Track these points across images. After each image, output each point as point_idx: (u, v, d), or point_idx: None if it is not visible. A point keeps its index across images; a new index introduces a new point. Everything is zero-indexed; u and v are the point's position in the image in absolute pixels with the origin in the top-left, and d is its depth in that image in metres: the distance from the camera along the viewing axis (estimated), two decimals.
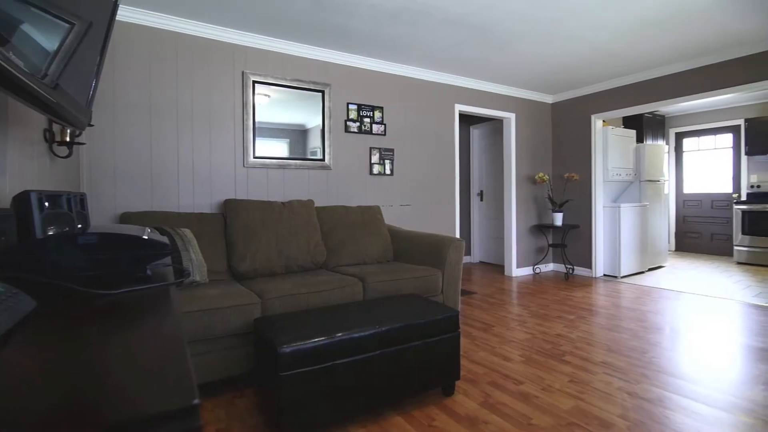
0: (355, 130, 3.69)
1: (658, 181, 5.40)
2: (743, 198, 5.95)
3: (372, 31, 3.15)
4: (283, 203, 2.92)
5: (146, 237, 0.83)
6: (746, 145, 5.88)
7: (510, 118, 4.87)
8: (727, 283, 4.30)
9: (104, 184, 2.65)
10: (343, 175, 3.63)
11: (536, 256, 5.13)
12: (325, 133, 3.53)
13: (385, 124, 3.85)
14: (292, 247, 2.71)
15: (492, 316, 3.24)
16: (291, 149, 3.41)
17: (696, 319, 3.08)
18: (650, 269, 5.17)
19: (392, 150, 3.90)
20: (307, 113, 3.48)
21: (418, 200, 4.08)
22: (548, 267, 5.26)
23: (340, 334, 1.60)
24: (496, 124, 5.52)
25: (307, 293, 2.19)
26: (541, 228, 4.95)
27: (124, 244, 0.81)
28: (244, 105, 3.13)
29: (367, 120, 3.76)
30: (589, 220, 4.84)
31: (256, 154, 3.19)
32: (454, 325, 1.93)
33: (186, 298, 1.87)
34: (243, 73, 3.12)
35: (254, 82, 3.18)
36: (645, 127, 5.99)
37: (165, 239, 1.04)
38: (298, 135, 3.46)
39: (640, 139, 5.86)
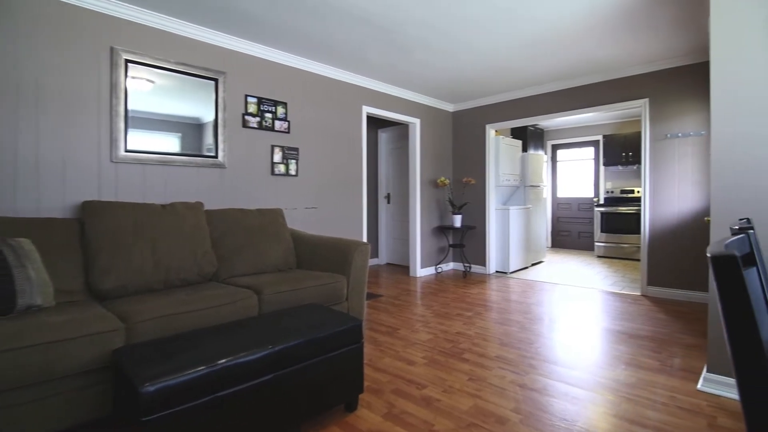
0: (255, 125, 3.40)
1: (539, 186, 6.06)
2: (601, 201, 7.02)
3: (274, 19, 2.92)
4: (163, 206, 2.53)
5: None
6: (604, 157, 6.95)
7: (415, 123, 5.00)
8: (591, 274, 5.00)
9: None
10: (240, 174, 3.31)
11: (438, 256, 5.36)
12: (219, 127, 3.18)
13: (289, 121, 3.62)
14: (173, 257, 2.35)
15: (397, 319, 3.24)
16: (183, 145, 3.01)
17: (569, 307, 3.48)
18: (533, 264, 5.77)
19: (297, 149, 3.69)
20: (202, 105, 3.11)
21: (325, 203, 3.93)
22: (449, 266, 5.53)
23: (224, 360, 1.39)
24: (403, 129, 5.64)
25: (188, 312, 1.89)
26: (443, 229, 5.19)
27: None
28: (112, 88, 2.64)
29: (268, 115, 3.49)
30: (484, 221, 5.21)
31: (129, 147, 2.71)
32: (357, 335, 1.84)
33: (14, 329, 1.46)
34: (112, 49, 2.64)
35: (127, 61, 2.70)
36: (528, 138, 6.68)
37: None
38: (192, 129, 3.06)
39: (524, 149, 6.53)
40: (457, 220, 5.07)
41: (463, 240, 5.33)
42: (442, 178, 5.08)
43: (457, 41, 3.31)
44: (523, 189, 5.79)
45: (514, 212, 5.25)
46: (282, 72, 3.60)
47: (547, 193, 7.71)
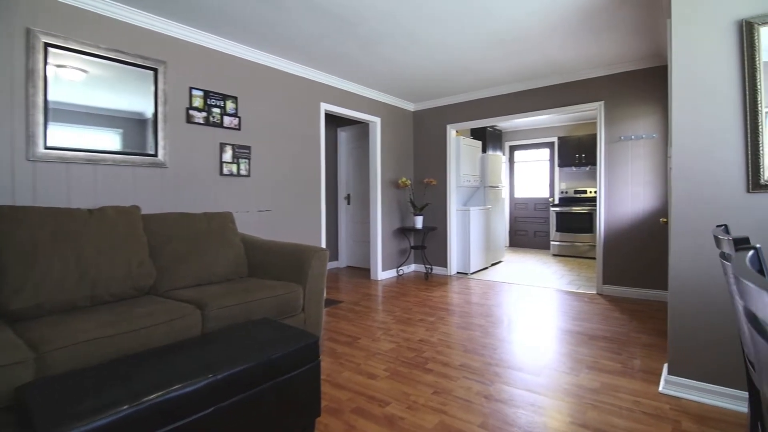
0: (201, 121, 3.12)
1: (498, 187, 6.13)
2: (556, 202, 7.25)
3: (222, 4, 2.67)
4: (91, 211, 2.22)
5: None
6: (558, 158, 7.18)
7: (376, 122, 4.87)
8: (548, 273, 5.11)
9: None
10: (184, 174, 3.02)
11: (399, 258, 5.27)
12: (159, 122, 2.87)
13: (239, 117, 3.36)
14: (102, 268, 2.06)
15: (358, 327, 3.10)
16: (126, 142, 2.71)
17: (529, 309, 3.49)
18: (493, 264, 5.83)
19: (249, 147, 3.44)
20: (142, 98, 2.80)
21: (281, 205, 3.70)
22: (410, 268, 5.45)
23: (153, 396, 1.18)
24: (363, 128, 5.49)
25: (114, 336, 1.63)
26: (404, 231, 5.10)
27: None
28: (29, 75, 2.29)
29: (216, 110, 3.22)
30: (445, 222, 5.17)
31: (50, 144, 2.37)
32: (313, 354, 1.67)
33: None
34: (28, 31, 2.28)
35: (47, 45, 2.36)
36: (487, 139, 6.76)
37: None
38: (135, 125, 2.76)
39: (483, 150, 6.59)
40: (419, 222, 5.00)
41: (425, 241, 5.28)
42: (404, 179, 4.99)
43: (421, 37, 3.21)
44: (483, 190, 5.83)
45: (475, 213, 5.27)
46: (232, 64, 3.33)
47: (505, 194, 7.86)
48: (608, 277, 4.02)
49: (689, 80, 1.84)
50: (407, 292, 4.21)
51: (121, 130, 2.71)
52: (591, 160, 6.74)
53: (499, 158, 6.22)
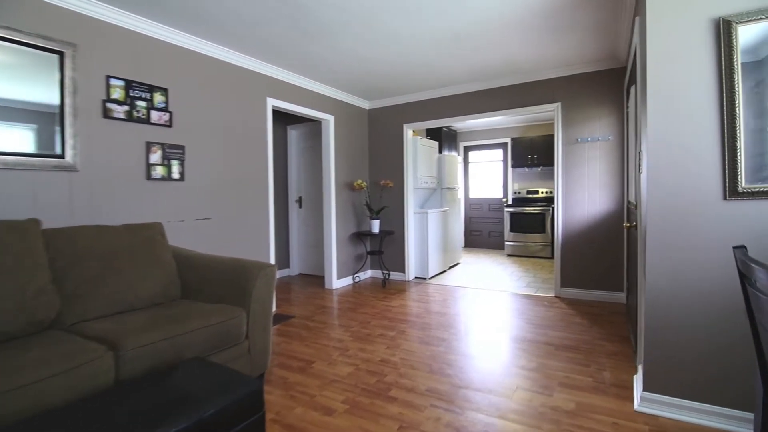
0: (122, 116, 2.65)
1: (454, 188, 6.05)
2: (510, 202, 7.34)
3: None
4: None
5: None
6: (512, 159, 7.26)
7: (329, 120, 4.55)
8: (505, 275, 5.08)
9: None
10: (100, 180, 2.55)
11: (356, 264, 5.00)
12: (66, 117, 2.39)
13: (171, 112, 2.92)
14: None
15: (312, 348, 2.79)
16: (40, 141, 2.25)
17: (491, 317, 3.37)
18: (450, 267, 5.74)
19: (182, 147, 3.00)
20: (49, 89, 2.33)
21: (222, 212, 3.29)
22: (367, 274, 5.21)
23: None
24: (315, 126, 5.15)
25: None
26: (360, 235, 4.84)
27: None
28: None
29: (142, 104, 2.76)
30: (402, 226, 4.98)
31: None
32: (255, 404, 1.37)
33: None
34: None
35: None
36: (443, 139, 6.67)
37: None
38: (48, 120, 2.29)
39: (439, 150, 6.49)
40: (375, 226, 4.76)
41: (382, 246, 5.05)
42: (359, 181, 4.73)
43: (378, 28, 2.96)
44: (440, 191, 5.71)
45: (433, 216, 5.12)
46: (161, 50, 2.88)
47: (461, 194, 7.85)
48: (566, 280, 4.02)
49: (663, 81, 1.75)
50: (365, 302, 3.96)
51: (35, 126, 2.26)
52: (543, 161, 6.88)
53: (455, 159, 6.14)
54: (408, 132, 4.99)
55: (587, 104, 3.88)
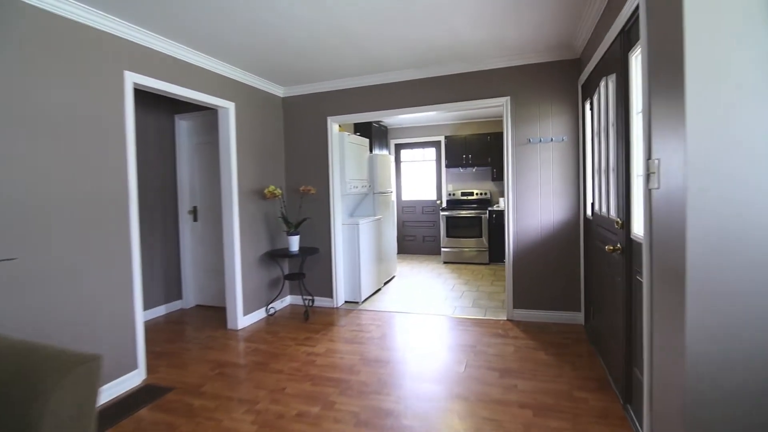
0: None
1: (388, 192, 5.32)
2: (444, 204, 6.83)
3: None
4: None
5: None
6: (446, 158, 6.74)
7: (228, 108, 3.48)
8: (446, 291, 4.46)
9: None
10: None
11: (270, 293, 3.99)
12: None
13: None
14: None
15: None
16: None
17: (445, 362, 2.67)
18: (386, 283, 5.00)
19: None
20: None
21: (42, 245, 2.10)
22: (285, 301, 4.23)
23: None
24: (215, 116, 4.01)
25: None
26: (275, 256, 3.83)
27: None
28: None
29: None
30: (329, 241, 4.09)
31: None
32: None
33: None
34: None
35: None
36: (373, 136, 5.89)
37: None
38: None
39: (370, 149, 5.70)
40: (294, 243, 3.81)
41: (303, 267, 4.12)
42: (271, 187, 3.73)
43: None
44: (372, 196, 4.91)
45: (365, 226, 4.32)
46: None
47: (394, 197, 7.17)
48: (519, 300, 3.49)
49: (710, 69, 1.13)
50: (280, 350, 3.01)
51: None
52: (478, 161, 6.45)
53: (388, 159, 5.40)
54: (333, 127, 4.10)
55: (539, 100, 3.35)
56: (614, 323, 2.24)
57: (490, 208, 6.12)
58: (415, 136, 7.07)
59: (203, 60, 3.14)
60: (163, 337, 3.36)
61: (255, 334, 3.38)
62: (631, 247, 1.97)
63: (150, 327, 3.60)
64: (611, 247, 2.11)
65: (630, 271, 1.97)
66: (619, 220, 2.07)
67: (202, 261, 4.23)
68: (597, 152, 2.67)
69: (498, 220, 6.07)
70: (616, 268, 2.17)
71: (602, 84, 2.44)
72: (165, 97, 3.64)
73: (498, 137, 6.24)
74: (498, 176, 6.35)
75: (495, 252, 6.09)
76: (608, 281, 2.38)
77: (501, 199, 6.26)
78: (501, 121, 6.53)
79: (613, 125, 2.21)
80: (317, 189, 4.06)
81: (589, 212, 3.04)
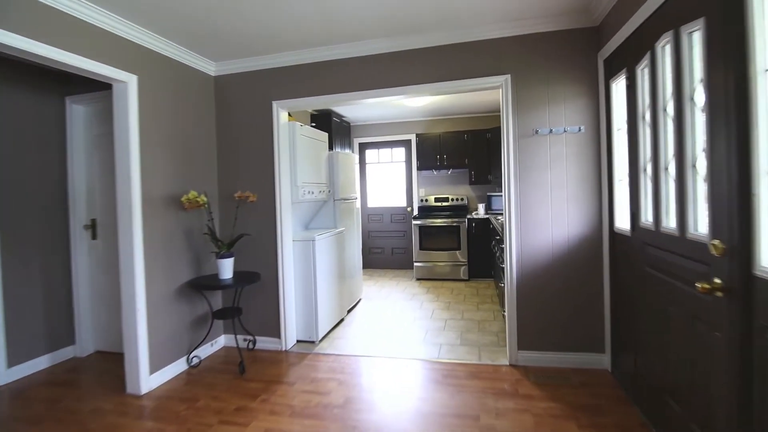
0: None
1: (352, 198, 4.43)
2: (416, 213, 6.02)
3: None
4: None
5: None
6: (417, 159, 5.95)
7: (126, 83, 2.47)
8: (424, 321, 3.63)
9: None
10: None
11: (194, 336, 2.97)
12: None
13: None
14: None
15: None
16: None
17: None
18: (349, 311, 4.10)
19: None
20: None
21: None
22: (218, 344, 3.22)
23: None
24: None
25: None
26: (201, 286, 2.81)
27: None
28: None
29: None
30: (275, 264, 3.14)
31: None
32: None
33: None
34: None
35: None
36: (334, 132, 4.99)
37: None
38: None
39: (329, 147, 4.80)
40: (227, 268, 2.83)
41: (239, 300, 3.13)
42: (193, 194, 2.74)
43: None
44: (332, 204, 4.00)
45: (323, 242, 3.40)
46: None
47: (358, 204, 6.28)
48: (524, 340, 2.71)
49: None
50: None
51: None
52: (453, 163, 5.70)
53: (352, 159, 4.52)
54: (281, 114, 3.16)
55: (547, 79, 2.61)
56: (697, 390, 1.48)
57: (469, 216, 5.38)
58: (382, 134, 6.23)
59: (89, 11, 2.13)
60: (27, 411, 2.28)
61: (164, 402, 2.37)
62: (752, 286, 1.21)
63: (17, 391, 2.51)
64: (706, 286, 1.35)
65: (749, 325, 1.22)
66: (719, 243, 1.31)
67: (104, 292, 3.14)
68: (644, 144, 1.94)
69: (480, 230, 5.33)
70: (709, 316, 1.42)
71: (663, 45, 1.70)
72: (51, 71, 2.58)
73: (476, 135, 5.53)
74: (477, 179, 5.64)
75: (475, 266, 5.35)
76: (682, 330, 1.63)
77: (480, 206, 5.54)
78: (478, 118, 5.84)
79: (691, 100, 1.46)
80: (259, 195, 3.10)
81: (622, 224, 2.31)
